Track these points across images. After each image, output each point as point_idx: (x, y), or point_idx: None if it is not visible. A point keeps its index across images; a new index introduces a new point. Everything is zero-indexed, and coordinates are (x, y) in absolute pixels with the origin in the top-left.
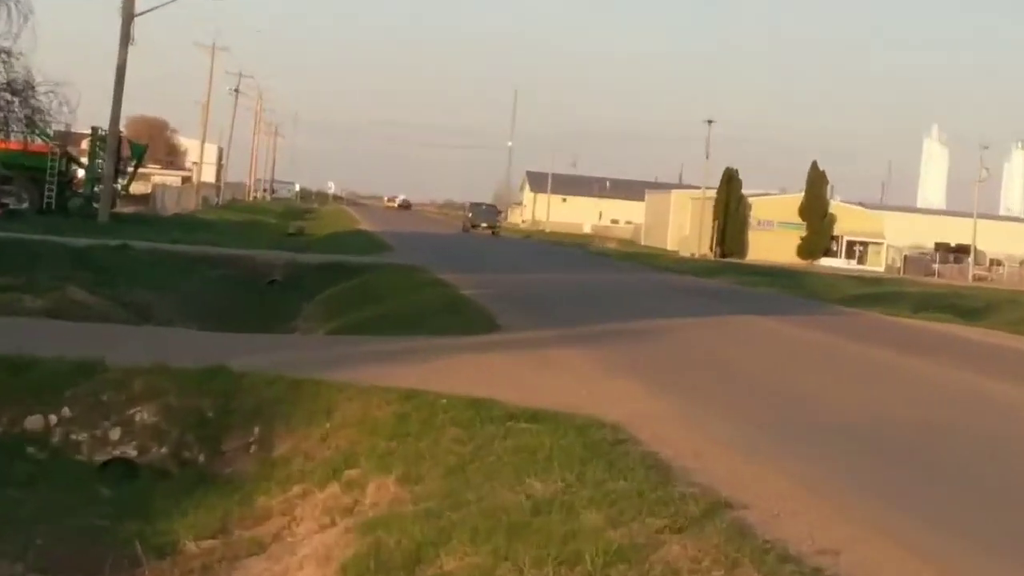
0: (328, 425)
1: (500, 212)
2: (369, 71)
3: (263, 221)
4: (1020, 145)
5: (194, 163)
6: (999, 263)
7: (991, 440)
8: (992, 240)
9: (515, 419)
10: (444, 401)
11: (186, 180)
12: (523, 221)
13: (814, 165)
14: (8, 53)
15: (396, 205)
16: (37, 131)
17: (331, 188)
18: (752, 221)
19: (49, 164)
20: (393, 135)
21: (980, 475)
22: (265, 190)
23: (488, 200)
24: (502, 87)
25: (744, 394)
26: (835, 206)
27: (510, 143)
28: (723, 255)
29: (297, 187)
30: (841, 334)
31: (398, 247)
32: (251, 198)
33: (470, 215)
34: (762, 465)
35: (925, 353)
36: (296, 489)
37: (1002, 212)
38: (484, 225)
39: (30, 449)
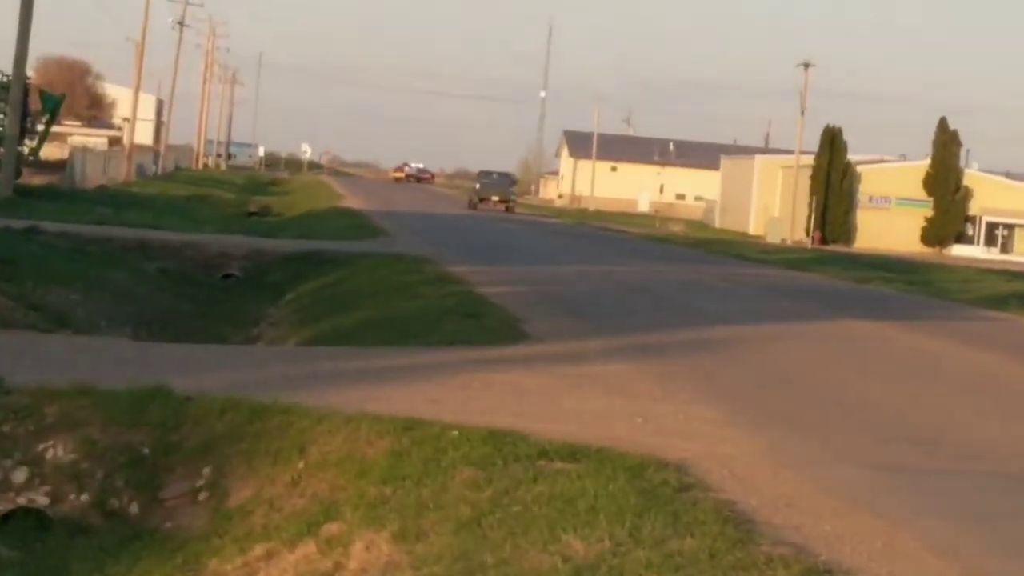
0: (301, 465)
1: (515, 183)
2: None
3: (216, 196)
4: None
5: (125, 119)
6: None
7: None
8: None
9: (548, 457)
10: (455, 434)
11: (115, 142)
12: (560, 196)
13: (942, 124)
14: None
15: (404, 176)
16: None
17: (306, 153)
18: (862, 197)
19: None
20: (388, 84)
21: None
22: (219, 155)
23: (511, 168)
24: (533, 22)
25: (853, 425)
26: (971, 177)
27: (543, 94)
28: (824, 241)
29: (261, 151)
30: (984, 347)
31: (394, 231)
32: (200, 166)
33: (478, 187)
34: (876, 519)
35: None
36: (258, 549)
37: None
38: (496, 199)
39: None
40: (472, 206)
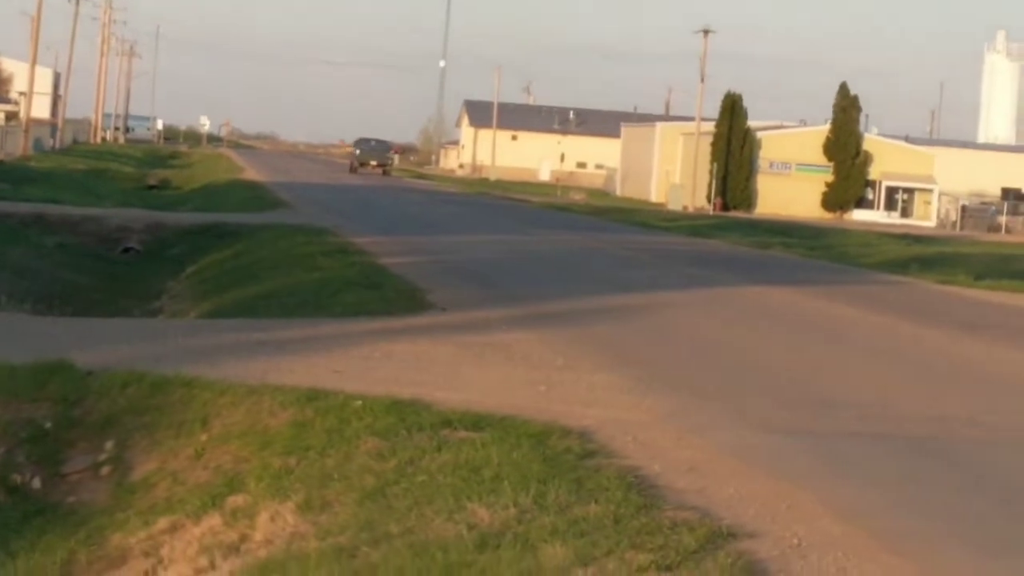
0: (205, 438)
1: (390, 149)
2: None
3: (115, 170)
4: None
5: (21, 94)
6: None
7: None
8: None
9: (452, 426)
10: (358, 404)
11: (11, 116)
12: (461, 166)
13: (843, 88)
14: None
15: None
16: None
17: (205, 126)
18: (762, 163)
19: None
20: (288, 56)
21: None
22: (118, 129)
23: (411, 139)
24: None
25: (756, 390)
26: (871, 142)
27: (442, 63)
28: (725, 208)
29: (160, 125)
30: (885, 310)
31: (295, 202)
32: (99, 139)
33: (357, 153)
34: (778, 482)
35: (994, 334)
36: (163, 522)
37: None
38: (373, 163)
39: None
40: (352, 170)
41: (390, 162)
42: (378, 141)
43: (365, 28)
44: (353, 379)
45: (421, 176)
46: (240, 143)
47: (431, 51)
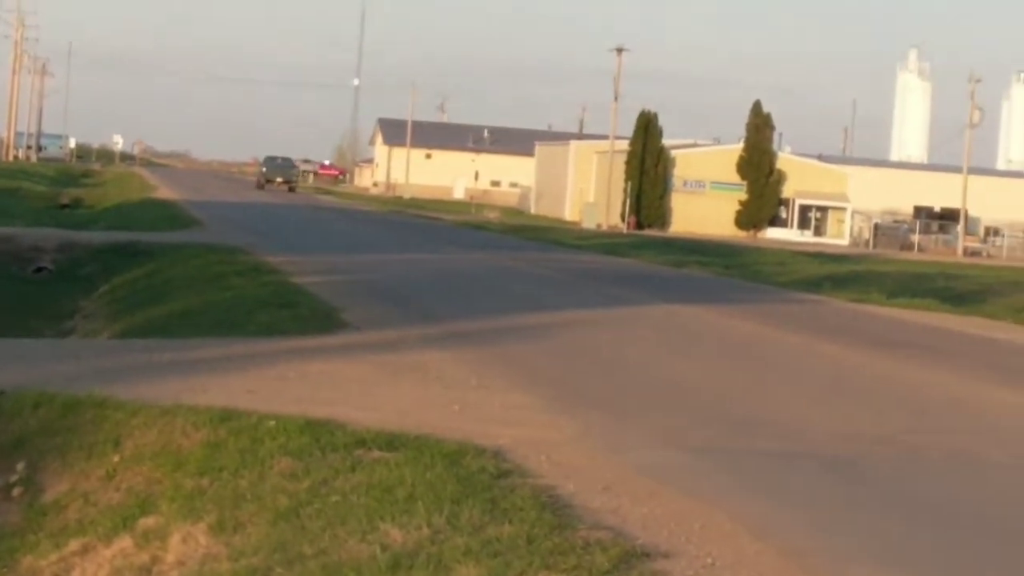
0: (117, 459)
1: (295, 167)
2: None
3: (27, 189)
4: (1023, 77)
5: None
6: (997, 232)
7: (1000, 467)
8: (988, 202)
9: (366, 446)
10: (271, 424)
11: None
12: (375, 184)
13: (756, 107)
14: None
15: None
16: None
17: (118, 144)
18: (677, 181)
19: None
20: (202, 73)
21: (987, 518)
22: (30, 147)
23: (326, 157)
24: (346, 8)
25: (671, 408)
26: (784, 160)
27: (356, 81)
28: (639, 226)
29: (72, 143)
30: (799, 328)
31: (209, 221)
32: (11, 158)
33: (264, 170)
34: (693, 501)
35: (907, 353)
36: (74, 544)
37: (1001, 165)
38: (279, 180)
39: None
40: (259, 186)
41: (295, 179)
42: (284, 159)
43: (280, 46)
44: (267, 399)
45: (335, 194)
46: (153, 161)
47: (346, 69)
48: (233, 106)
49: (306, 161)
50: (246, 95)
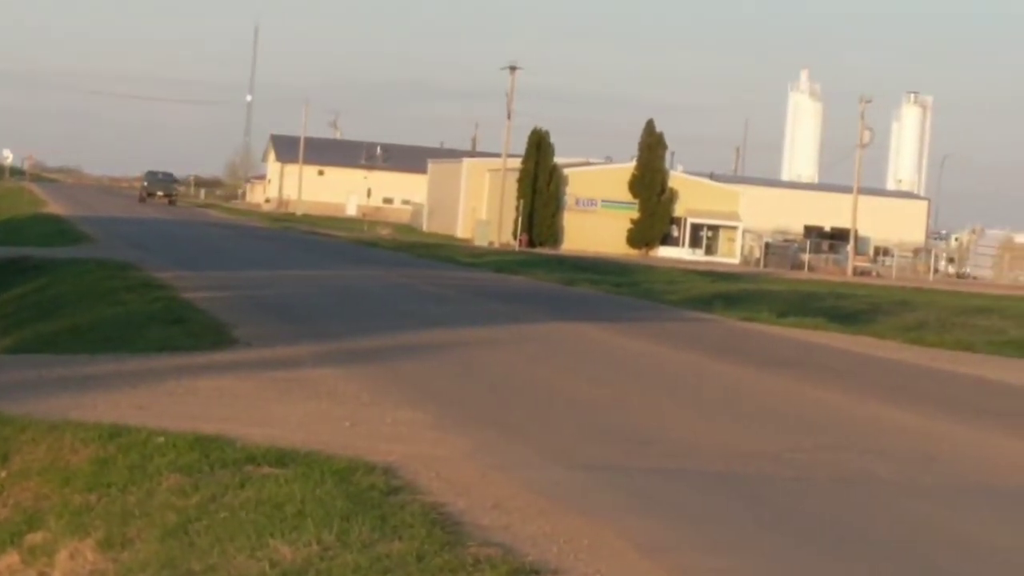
0: (4, 474)
1: (176, 181)
2: (58, 3)
3: None
4: (913, 99)
5: None
6: (886, 252)
7: (901, 490)
8: (877, 222)
9: (256, 462)
10: (160, 440)
11: None
12: (267, 200)
13: (649, 126)
14: None
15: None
16: None
17: (7, 159)
18: (569, 199)
19: None
20: (93, 88)
21: (871, 535)
22: None
23: (218, 172)
24: (239, 24)
25: (562, 425)
26: (676, 179)
27: (249, 97)
28: (531, 244)
29: None
30: (690, 346)
31: (100, 236)
32: None
33: (145, 184)
34: (583, 518)
35: (797, 371)
36: None
37: (890, 186)
38: (160, 194)
39: None
40: (141, 199)
41: (175, 192)
42: (164, 174)
43: (171, 62)
44: (157, 415)
45: (227, 210)
46: (43, 176)
47: (238, 85)
48: (124, 122)
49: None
50: (137, 111)
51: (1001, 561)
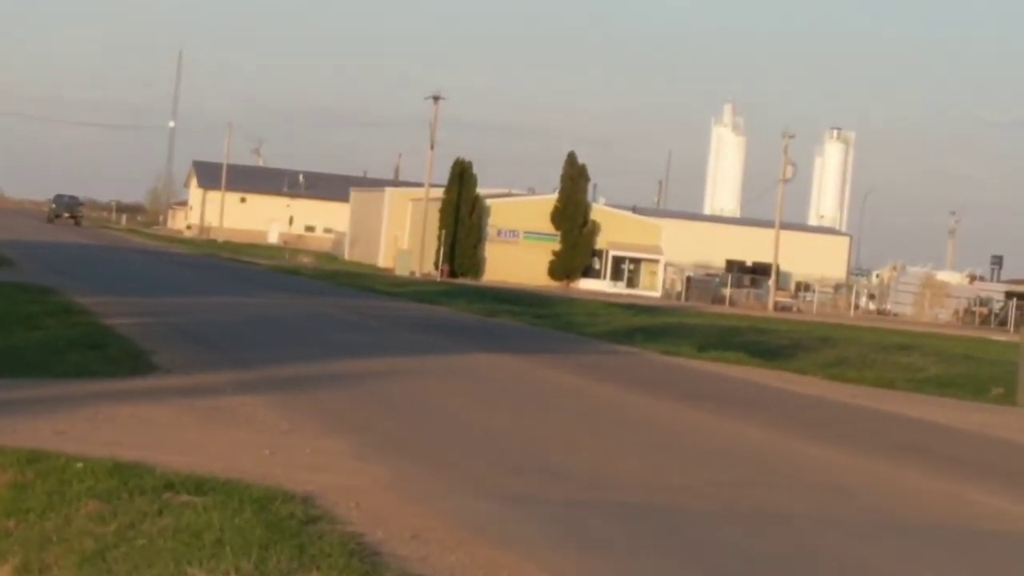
0: None
1: (82, 204)
2: None
3: None
4: (836, 134)
5: None
6: (808, 287)
7: (819, 526)
8: (800, 258)
9: (174, 490)
10: (79, 466)
11: None
12: (189, 227)
13: (571, 158)
14: None
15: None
16: None
17: None
18: (491, 230)
19: None
20: (11, 111)
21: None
22: None
23: (139, 198)
24: (162, 51)
25: (482, 457)
26: (599, 211)
27: (172, 123)
28: (453, 274)
29: None
30: (610, 379)
31: (20, 260)
32: None
33: (53, 206)
34: (502, 551)
35: (717, 405)
36: None
37: (812, 221)
38: (67, 215)
39: None
40: (50, 219)
41: (80, 214)
42: (70, 196)
43: (94, 86)
44: (76, 441)
45: (149, 236)
46: None
47: (162, 111)
48: (46, 146)
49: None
50: (59, 135)
51: None
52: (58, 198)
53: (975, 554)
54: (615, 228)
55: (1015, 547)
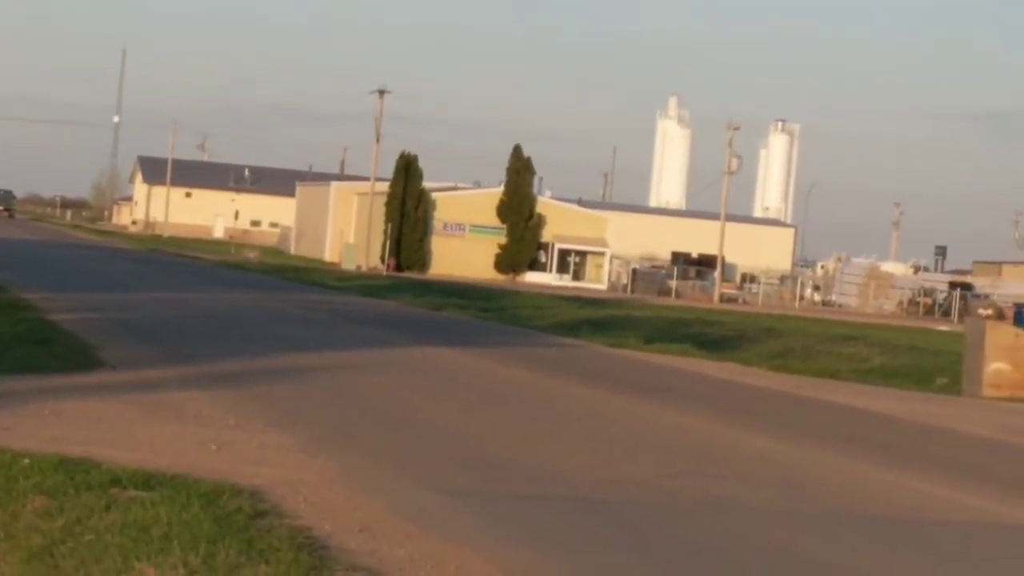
0: None
1: (14, 197)
2: None
3: None
4: (781, 127)
5: None
6: (753, 279)
7: (768, 514)
8: (745, 250)
9: (121, 485)
10: (25, 462)
11: None
12: (134, 222)
13: (517, 151)
14: None
15: None
16: None
17: None
18: (437, 224)
19: None
20: None
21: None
22: None
23: (84, 193)
24: (107, 46)
25: (430, 450)
26: (544, 204)
27: (116, 118)
28: (399, 268)
29: None
30: (557, 372)
31: None
32: None
33: None
34: (450, 543)
35: (663, 397)
36: None
37: (757, 213)
38: (2, 208)
39: None
40: None
41: (14, 206)
42: (5, 190)
43: (38, 82)
44: (21, 437)
45: (94, 232)
46: None
47: (106, 105)
48: None
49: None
50: (3, 131)
51: None
52: None
53: (919, 544)
54: (561, 221)
55: (958, 537)
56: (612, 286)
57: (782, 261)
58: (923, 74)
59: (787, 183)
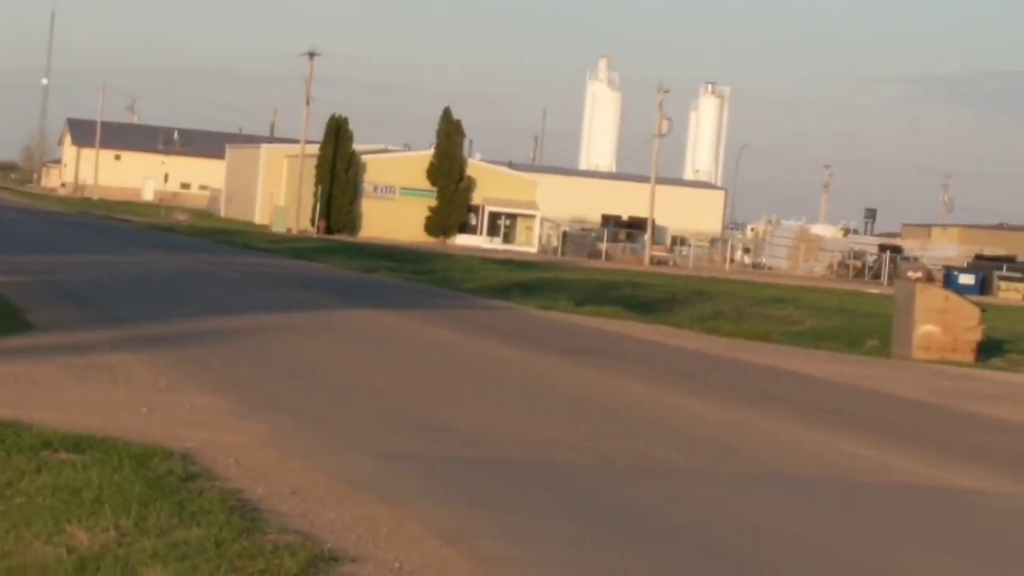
0: None
1: None
2: None
3: None
4: (711, 89)
5: None
6: (683, 242)
7: (696, 479)
8: (675, 212)
9: (52, 448)
10: None
11: None
12: (63, 185)
13: (446, 114)
14: None
15: None
16: None
17: None
18: (367, 187)
19: None
20: None
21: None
22: None
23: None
24: (34, 7)
25: (361, 413)
26: (474, 167)
27: (45, 80)
28: (329, 231)
29: None
30: (488, 334)
31: None
32: None
33: None
34: (382, 506)
35: (595, 360)
36: None
37: (688, 176)
38: None
39: None
40: None
41: None
42: None
43: None
44: None
45: (21, 194)
46: None
47: (34, 68)
48: None
49: None
50: None
51: (795, 547)
52: None
53: (850, 505)
54: (491, 184)
55: (891, 497)
56: (542, 249)
57: (712, 224)
58: (854, 37)
59: (717, 146)
